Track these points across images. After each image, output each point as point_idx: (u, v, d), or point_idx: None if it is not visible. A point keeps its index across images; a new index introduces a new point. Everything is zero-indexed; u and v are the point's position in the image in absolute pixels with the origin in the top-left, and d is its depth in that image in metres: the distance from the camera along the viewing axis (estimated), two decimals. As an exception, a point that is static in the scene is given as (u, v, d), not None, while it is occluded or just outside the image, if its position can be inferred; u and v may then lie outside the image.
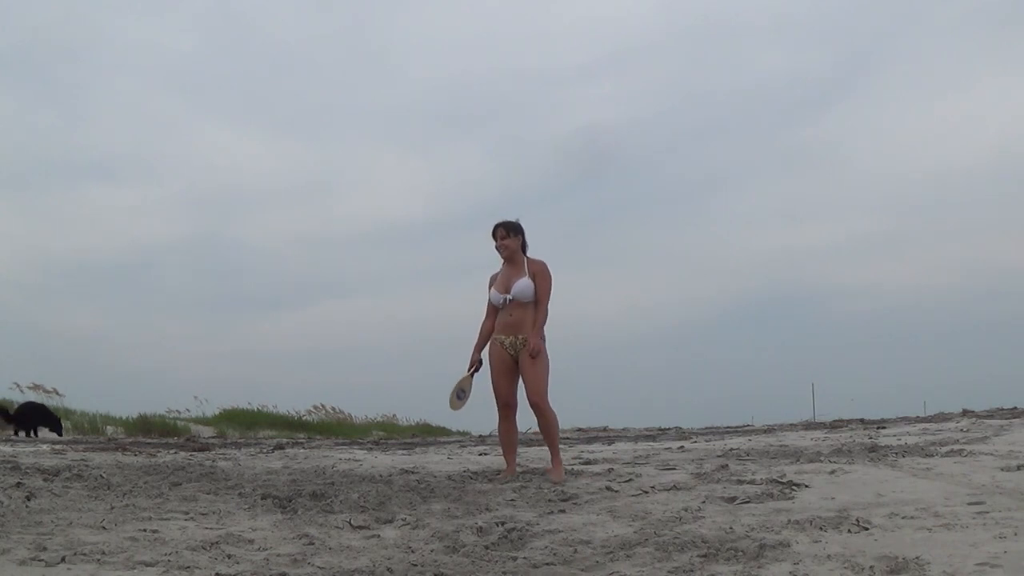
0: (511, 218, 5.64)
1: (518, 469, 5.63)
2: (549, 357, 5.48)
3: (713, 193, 38.00)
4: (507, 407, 5.55)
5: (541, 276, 5.48)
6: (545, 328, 5.51)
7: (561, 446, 5.92)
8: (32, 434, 12.40)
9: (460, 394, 5.65)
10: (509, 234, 5.56)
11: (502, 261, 5.62)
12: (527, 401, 5.46)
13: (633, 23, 38.25)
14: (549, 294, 5.49)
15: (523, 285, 5.45)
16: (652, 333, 34.39)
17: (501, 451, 5.80)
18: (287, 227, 36.60)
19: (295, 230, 36.71)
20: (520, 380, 5.48)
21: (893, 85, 35.53)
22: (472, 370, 5.63)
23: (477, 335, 5.64)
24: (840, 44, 36.17)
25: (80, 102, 34.28)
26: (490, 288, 5.63)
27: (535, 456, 7.06)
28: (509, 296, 5.48)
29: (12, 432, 12.46)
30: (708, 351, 33.55)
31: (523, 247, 5.60)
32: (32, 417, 12.72)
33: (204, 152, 35.81)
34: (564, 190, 37.43)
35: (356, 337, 33.72)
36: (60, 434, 12.53)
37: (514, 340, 5.45)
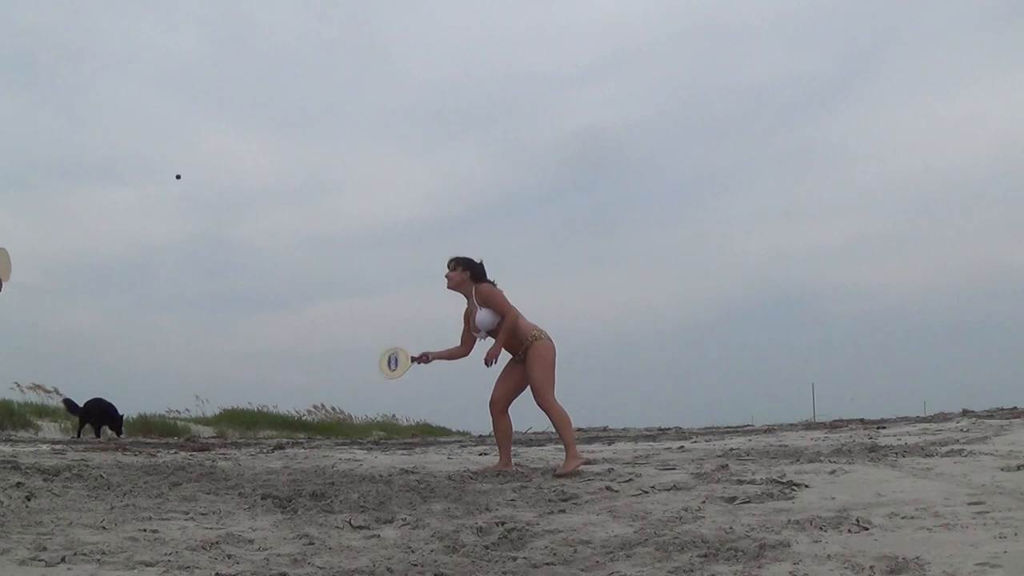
0: (474, 257, 5.80)
1: (519, 469, 5.67)
2: (554, 354, 5.65)
3: (713, 193, 37.96)
4: (492, 405, 5.80)
5: (488, 296, 5.66)
6: (550, 331, 5.70)
7: (560, 446, 5.94)
8: (97, 433, 12.35)
9: (391, 362, 5.83)
10: (457, 267, 5.78)
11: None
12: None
13: (633, 24, 38.24)
14: (505, 304, 5.63)
15: (483, 317, 5.68)
16: (652, 333, 34.34)
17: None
18: (287, 227, 36.57)
19: (295, 230, 36.69)
20: (515, 387, 5.74)
21: (893, 85, 35.50)
22: (417, 356, 5.83)
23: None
24: (840, 44, 36.15)
25: (81, 102, 34.24)
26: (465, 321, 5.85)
27: (535, 456, 7.07)
28: (481, 333, 5.73)
29: (77, 429, 12.43)
30: (708, 351, 33.53)
31: (476, 278, 5.73)
32: (98, 414, 12.57)
33: (204, 152, 35.72)
34: (564, 191, 37.43)
35: (356, 337, 33.64)
36: (119, 434, 12.43)
37: (519, 355, 5.67)
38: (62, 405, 13.33)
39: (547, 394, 5.54)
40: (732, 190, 37.34)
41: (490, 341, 5.68)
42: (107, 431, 12.40)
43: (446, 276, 5.78)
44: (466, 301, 5.78)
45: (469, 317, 5.77)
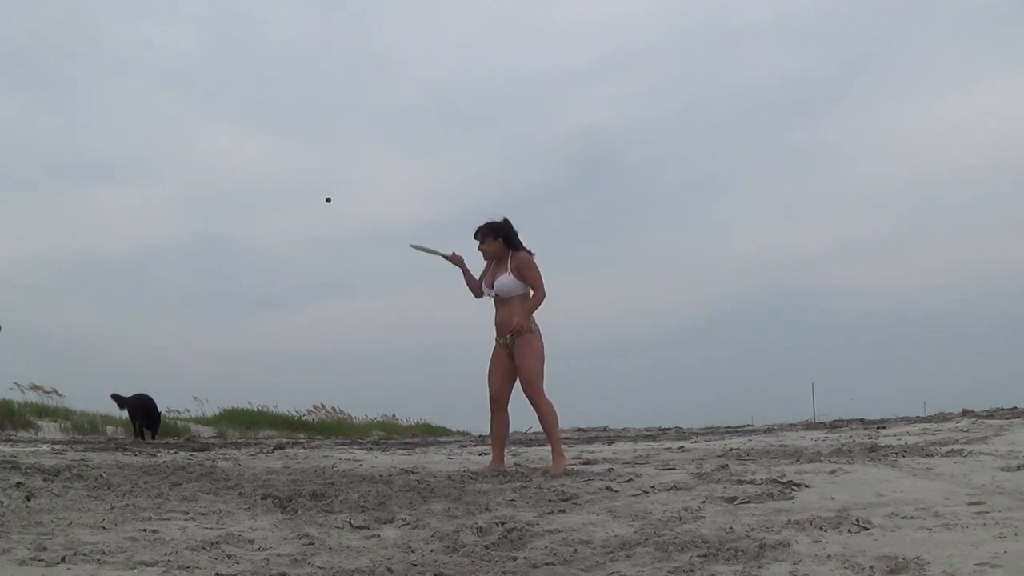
0: (496, 217, 5.63)
1: (519, 469, 5.66)
2: (544, 350, 5.55)
3: (714, 194, 38.04)
4: (494, 402, 5.67)
5: (525, 267, 5.50)
6: (540, 324, 5.57)
7: (561, 446, 5.92)
8: (140, 432, 12.32)
9: (424, 246, 5.76)
10: (486, 239, 5.62)
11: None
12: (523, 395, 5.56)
13: (633, 24, 38.30)
14: (539, 281, 5.50)
15: (505, 282, 5.51)
16: (652, 333, 34.39)
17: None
18: (288, 227, 36.58)
19: (295, 230, 36.69)
20: (511, 378, 5.59)
21: (893, 85, 35.57)
22: (450, 256, 5.72)
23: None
24: (840, 44, 36.24)
25: (81, 103, 34.33)
26: (485, 267, 5.73)
27: (535, 456, 7.06)
28: (493, 292, 5.57)
29: (134, 431, 12.40)
30: (709, 351, 33.54)
31: (510, 244, 5.59)
32: (139, 411, 12.50)
33: (205, 152, 35.82)
34: (565, 191, 37.47)
35: (356, 337, 33.69)
36: (154, 434, 12.38)
37: (508, 339, 5.53)
38: (112, 401, 13.23)
39: (539, 387, 5.47)
40: (732, 190, 37.41)
41: (499, 304, 5.59)
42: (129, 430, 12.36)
43: (480, 250, 5.67)
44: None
45: (488, 275, 5.66)
